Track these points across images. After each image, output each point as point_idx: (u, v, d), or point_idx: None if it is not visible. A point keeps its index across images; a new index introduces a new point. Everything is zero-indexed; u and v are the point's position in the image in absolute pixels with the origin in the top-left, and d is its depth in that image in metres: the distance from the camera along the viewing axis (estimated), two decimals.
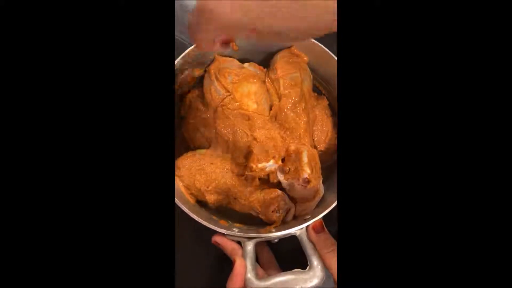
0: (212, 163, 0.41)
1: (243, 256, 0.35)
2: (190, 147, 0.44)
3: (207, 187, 0.40)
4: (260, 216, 0.40)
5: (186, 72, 0.43)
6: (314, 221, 0.36)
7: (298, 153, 0.39)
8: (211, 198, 0.40)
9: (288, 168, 0.39)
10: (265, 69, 0.44)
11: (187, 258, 0.43)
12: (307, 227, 0.36)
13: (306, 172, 0.37)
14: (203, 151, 0.42)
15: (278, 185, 0.41)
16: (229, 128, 0.40)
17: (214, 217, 0.41)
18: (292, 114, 0.41)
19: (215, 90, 0.41)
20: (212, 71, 0.41)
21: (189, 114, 0.43)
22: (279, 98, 0.41)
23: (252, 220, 0.41)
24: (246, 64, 0.43)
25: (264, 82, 0.42)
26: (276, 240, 0.37)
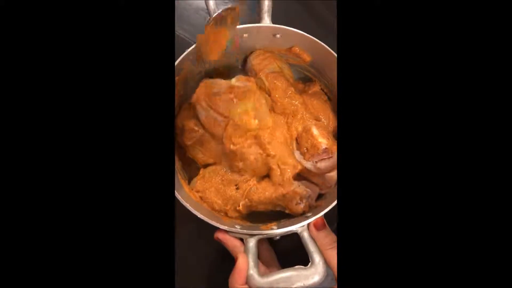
0: (223, 179, 0.42)
1: (245, 252, 0.35)
2: (199, 165, 0.45)
3: (226, 207, 0.41)
4: (286, 211, 0.40)
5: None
6: (315, 218, 0.36)
7: (307, 131, 0.40)
8: (233, 215, 0.41)
9: (304, 148, 0.40)
10: (251, 77, 0.44)
11: (189, 255, 0.44)
12: (308, 224, 0.36)
13: (323, 143, 0.39)
14: (211, 168, 0.43)
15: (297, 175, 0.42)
16: (240, 156, 0.41)
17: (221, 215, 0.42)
18: (286, 100, 0.43)
19: (212, 118, 0.41)
20: (202, 100, 0.41)
21: (184, 136, 0.43)
22: (269, 93, 0.43)
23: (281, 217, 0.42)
24: (233, 80, 0.43)
25: (255, 91, 0.42)
26: (277, 237, 0.38)
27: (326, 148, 0.39)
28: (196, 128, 0.42)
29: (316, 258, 0.34)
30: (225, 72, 0.46)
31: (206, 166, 0.45)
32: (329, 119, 0.44)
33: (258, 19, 0.42)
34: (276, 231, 0.36)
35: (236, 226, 0.37)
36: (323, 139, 0.40)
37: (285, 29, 0.41)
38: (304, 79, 0.48)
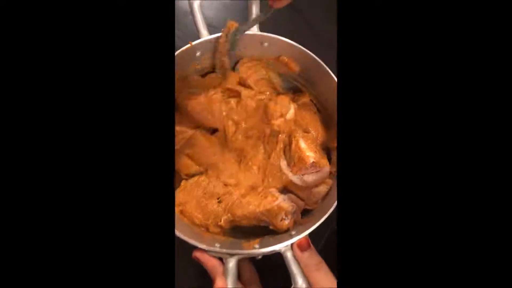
0: (205, 192, 0.40)
1: (224, 274, 0.33)
2: (181, 176, 0.43)
3: (207, 221, 0.39)
4: (270, 227, 0.39)
5: None
6: (299, 238, 0.34)
7: (295, 143, 0.39)
8: (215, 230, 0.39)
9: (292, 161, 0.38)
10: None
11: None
12: (292, 244, 0.34)
13: (311, 157, 0.38)
14: (194, 179, 0.41)
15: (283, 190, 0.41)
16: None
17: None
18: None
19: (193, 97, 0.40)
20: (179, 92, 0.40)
21: None
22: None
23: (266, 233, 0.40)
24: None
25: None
26: (259, 257, 0.36)
27: (314, 162, 0.38)
28: (184, 129, 0.41)
29: (299, 280, 0.33)
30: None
31: (188, 177, 0.43)
32: (318, 132, 0.43)
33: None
34: (258, 250, 0.35)
35: (216, 245, 0.35)
36: (310, 152, 0.38)
37: (272, 37, 0.40)
38: (294, 89, 0.46)
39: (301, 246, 0.34)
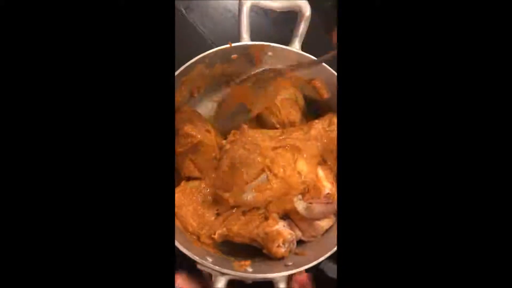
0: (204, 201, 0.38)
1: None
2: (179, 175, 0.41)
3: (201, 231, 0.37)
4: (263, 251, 0.37)
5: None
6: (298, 272, 0.33)
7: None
8: (206, 241, 0.37)
9: (307, 188, 0.37)
10: None
11: None
12: (289, 276, 0.33)
13: (327, 187, 0.36)
14: (195, 183, 0.39)
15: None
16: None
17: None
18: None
19: None
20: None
21: (176, 142, 0.39)
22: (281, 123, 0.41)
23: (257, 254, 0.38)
24: None
25: None
26: (250, 281, 0.34)
27: (328, 193, 0.36)
28: (193, 133, 0.38)
29: None
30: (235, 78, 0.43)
31: (188, 179, 0.41)
32: (333, 163, 0.41)
33: (288, 41, 0.39)
34: (250, 275, 0.33)
35: (208, 258, 0.33)
36: (327, 183, 0.37)
37: (313, 60, 0.39)
38: (316, 113, 0.45)
39: (302, 284, 0.32)
